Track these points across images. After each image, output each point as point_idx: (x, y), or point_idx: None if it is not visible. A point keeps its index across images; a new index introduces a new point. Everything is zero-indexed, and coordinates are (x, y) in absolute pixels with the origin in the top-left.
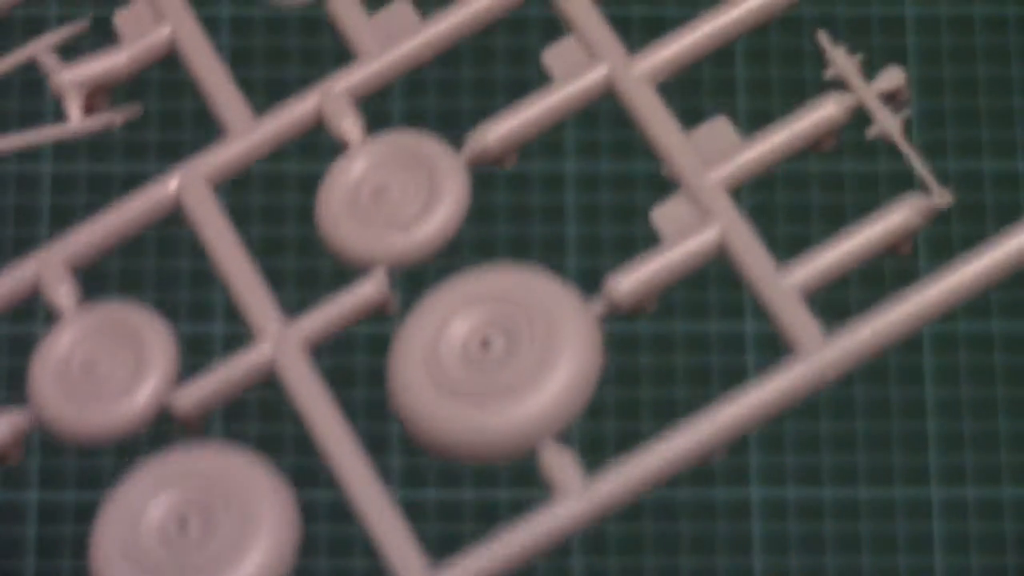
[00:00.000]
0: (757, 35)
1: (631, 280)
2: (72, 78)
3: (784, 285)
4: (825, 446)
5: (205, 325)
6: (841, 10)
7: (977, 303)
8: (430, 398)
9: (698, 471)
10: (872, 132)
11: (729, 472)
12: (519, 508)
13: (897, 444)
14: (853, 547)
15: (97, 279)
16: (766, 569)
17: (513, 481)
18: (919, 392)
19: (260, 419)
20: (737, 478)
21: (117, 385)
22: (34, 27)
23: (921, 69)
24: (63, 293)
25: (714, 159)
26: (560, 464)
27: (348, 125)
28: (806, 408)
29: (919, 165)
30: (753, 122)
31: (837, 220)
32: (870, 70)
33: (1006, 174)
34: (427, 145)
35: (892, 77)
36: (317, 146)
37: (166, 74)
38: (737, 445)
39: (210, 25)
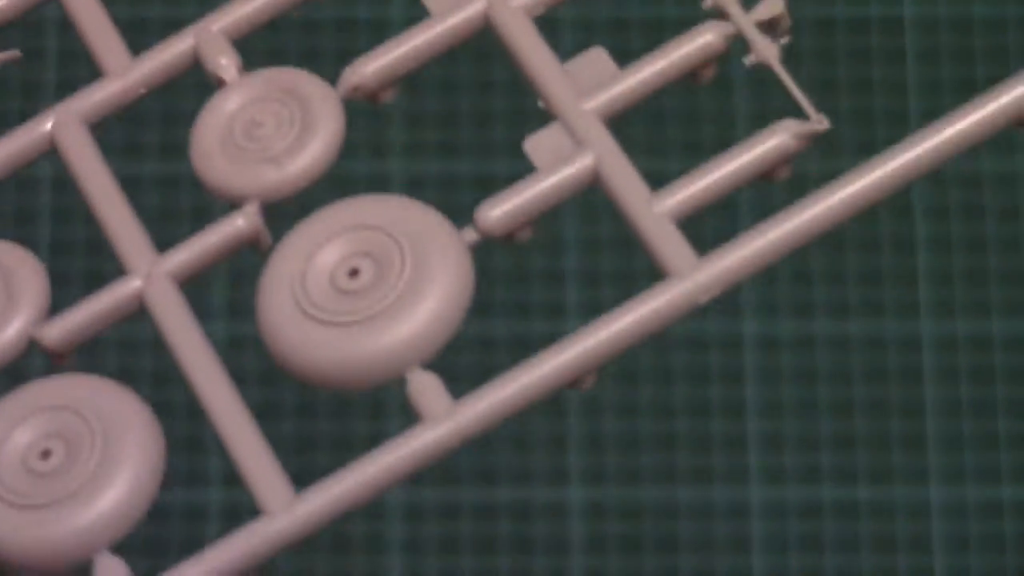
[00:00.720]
0: None
1: (502, 208)
2: None
3: (657, 211)
4: (825, 446)
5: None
6: (840, 10)
7: (977, 303)
8: (297, 326)
9: (697, 471)
10: (750, 60)
11: (729, 472)
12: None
13: (897, 444)
14: (853, 547)
15: None
16: (765, 569)
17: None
18: (919, 392)
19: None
20: (737, 478)
21: None
22: None
23: (920, 69)
24: None
25: (590, 89)
26: (427, 389)
27: (224, 63)
28: (806, 408)
29: (795, 91)
30: None
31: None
32: (868, 69)
33: (1006, 174)
34: (301, 80)
35: (771, 5)
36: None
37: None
38: (737, 444)
39: None
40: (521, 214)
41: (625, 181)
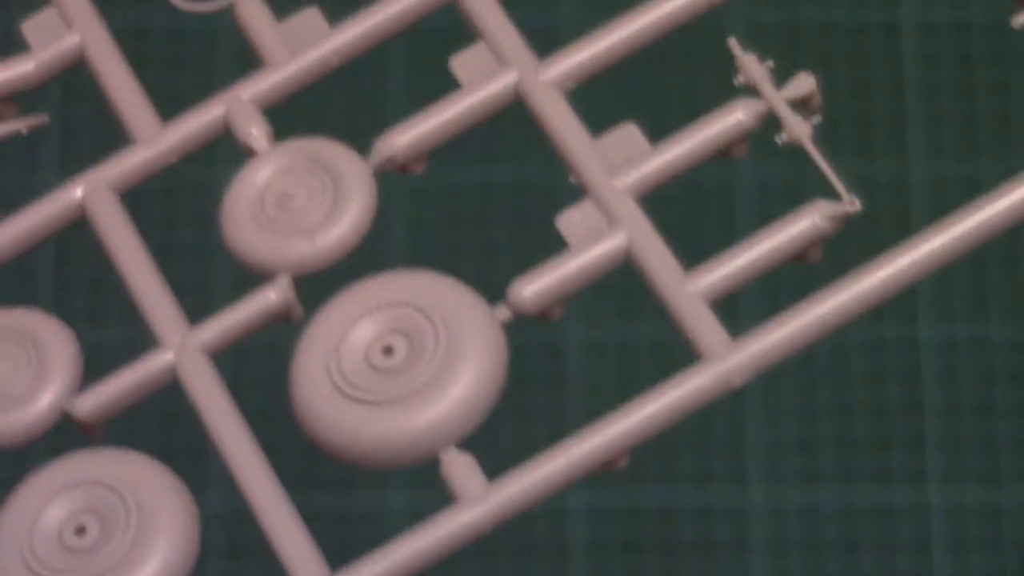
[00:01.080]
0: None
1: (534, 286)
2: None
3: (690, 291)
4: (825, 448)
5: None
6: (838, 14)
7: (977, 305)
8: (331, 404)
9: (697, 473)
10: (782, 138)
11: (729, 475)
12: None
13: (897, 446)
14: (852, 550)
15: None
16: (765, 572)
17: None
18: (918, 394)
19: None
20: (737, 480)
21: (18, 391)
22: None
23: (920, 72)
24: None
25: (621, 165)
26: (462, 470)
27: (254, 132)
28: (806, 410)
29: (828, 171)
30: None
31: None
32: (864, 71)
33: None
34: (333, 152)
35: (803, 83)
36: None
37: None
38: (736, 447)
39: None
40: (554, 293)
41: (658, 260)
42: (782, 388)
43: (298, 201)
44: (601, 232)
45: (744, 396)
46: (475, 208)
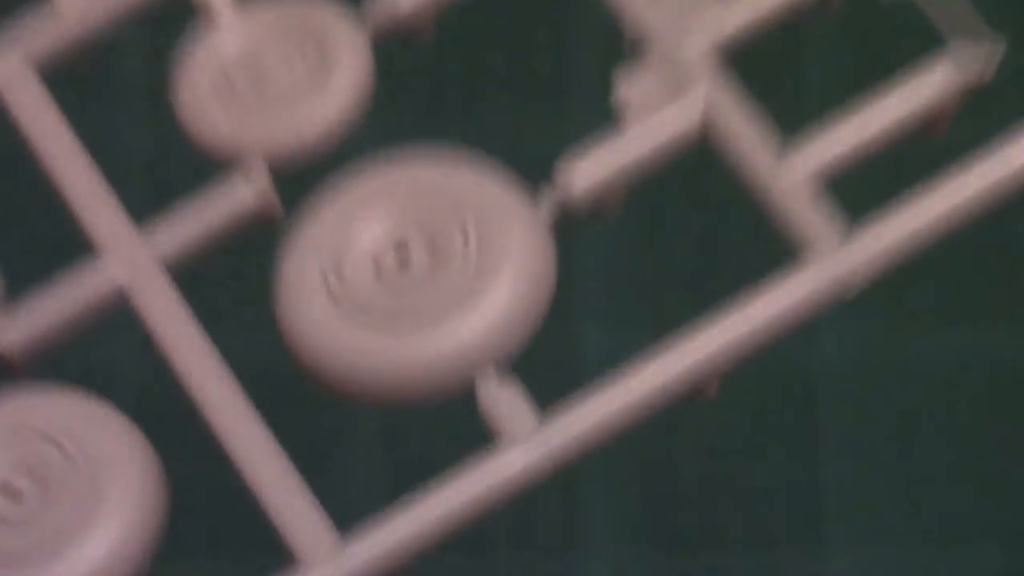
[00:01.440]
0: None
1: (590, 169)
2: None
3: (790, 174)
4: (926, 497)
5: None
6: None
7: None
8: (332, 323)
9: (754, 534)
10: None
11: (798, 536)
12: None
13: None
14: None
15: None
16: None
17: None
18: None
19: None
20: (808, 542)
21: None
22: None
23: None
24: None
25: (693, 17)
26: (505, 402)
27: None
28: (901, 447)
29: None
30: None
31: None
32: None
33: None
34: (318, 12)
35: None
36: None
37: None
38: (806, 498)
39: None
40: (612, 179)
41: (744, 133)
42: (868, 416)
43: (274, 72)
44: (669, 98)
45: (818, 427)
46: None
